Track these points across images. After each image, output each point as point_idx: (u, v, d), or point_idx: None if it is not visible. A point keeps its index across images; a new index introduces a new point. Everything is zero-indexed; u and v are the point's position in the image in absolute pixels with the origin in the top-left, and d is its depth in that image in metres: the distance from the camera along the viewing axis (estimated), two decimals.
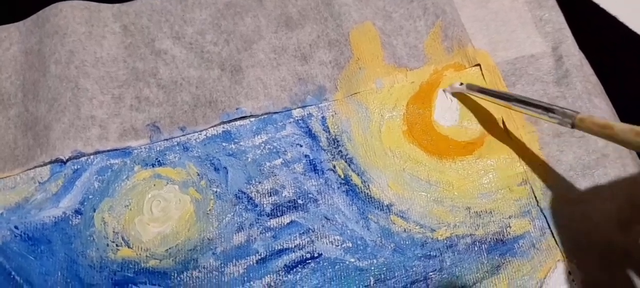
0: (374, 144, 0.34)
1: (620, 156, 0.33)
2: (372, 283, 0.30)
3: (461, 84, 0.35)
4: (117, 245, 0.30)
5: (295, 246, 0.31)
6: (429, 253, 0.31)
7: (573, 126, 0.27)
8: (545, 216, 0.32)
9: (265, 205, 0.32)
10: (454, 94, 0.36)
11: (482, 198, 0.33)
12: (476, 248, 0.31)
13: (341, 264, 0.31)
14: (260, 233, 0.31)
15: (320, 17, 0.37)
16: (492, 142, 0.34)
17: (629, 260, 0.31)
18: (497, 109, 0.35)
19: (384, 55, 0.37)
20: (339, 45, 0.36)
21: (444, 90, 0.36)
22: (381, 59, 0.36)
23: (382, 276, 0.30)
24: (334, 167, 0.33)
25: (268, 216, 0.32)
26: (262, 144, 0.33)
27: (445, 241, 0.31)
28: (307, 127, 0.34)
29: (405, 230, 0.32)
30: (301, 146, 0.33)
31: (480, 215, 0.32)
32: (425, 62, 0.37)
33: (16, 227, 0.30)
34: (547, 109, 0.29)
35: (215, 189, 0.32)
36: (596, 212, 0.32)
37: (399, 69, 0.36)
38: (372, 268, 0.31)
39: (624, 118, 0.36)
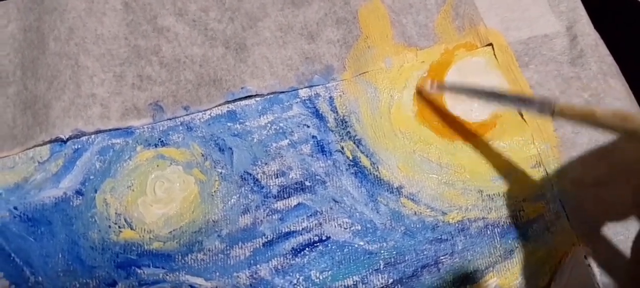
0: (383, 124, 0.33)
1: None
2: (381, 267, 0.29)
3: (432, 86, 0.33)
4: (119, 226, 0.29)
5: (302, 229, 0.30)
6: (440, 237, 0.30)
7: (553, 115, 0.25)
8: (559, 199, 0.31)
9: (271, 187, 0.31)
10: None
11: (494, 181, 0.32)
12: (489, 232, 0.30)
13: (350, 247, 0.30)
14: (267, 215, 0.30)
15: None
16: (505, 123, 0.33)
17: None
18: (510, 89, 0.34)
19: (393, 34, 0.35)
20: (347, 24, 0.35)
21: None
22: (390, 38, 0.35)
23: (392, 260, 0.30)
24: (342, 148, 0.32)
25: (274, 198, 0.31)
26: (268, 124, 0.32)
27: (456, 224, 0.31)
28: (314, 107, 0.33)
29: (415, 213, 0.31)
30: (308, 127, 0.32)
31: (492, 198, 0.31)
32: (435, 41, 0.36)
33: (15, 208, 0.29)
34: (524, 100, 0.27)
35: (220, 170, 0.31)
36: (612, 195, 0.31)
37: (409, 48, 0.35)
38: (382, 251, 0.30)
39: (637, 99, 0.35)
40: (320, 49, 0.35)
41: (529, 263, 0.30)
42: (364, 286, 0.29)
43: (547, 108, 0.25)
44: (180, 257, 0.29)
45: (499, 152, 0.33)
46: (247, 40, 0.34)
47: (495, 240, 0.30)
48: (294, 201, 0.31)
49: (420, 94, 0.34)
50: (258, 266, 0.29)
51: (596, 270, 0.29)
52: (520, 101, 0.28)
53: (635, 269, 0.29)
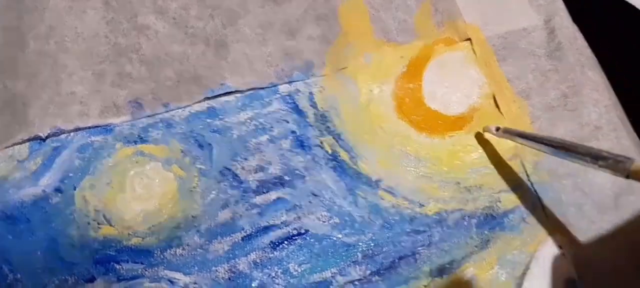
0: (362, 119, 0.33)
1: (614, 129, 0.33)
2: (360, 258, 0.30)
3: (497, 129, 0.31)
4: (98, 223, 0.29)
5: (281, 223, 0.30)
6: (417, 229, 0.31)
7: (628, 176, 0.23)
8: (536, 190, 0.32)
9: (250, 182, 0.31)
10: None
11: (472, 173, 0.32)
12: (465, 223, 0.31)
13: (328, 240, 0.30)
14: (246, 210, 0.30)
15: None
16: (482, 116, 0.34)
17: (620, 234, 0.30)
18: (488, 83, 0.34)
19: (373, 29, 0.36)
20: (327, 20, 0.36)
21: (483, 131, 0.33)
22: (370, 34, 0.36)
23: (370, 251, 0.30)
24: (322, 143, 0.32)
25: (254, 193, 0.31)
26: (248, 120, 0.33)
27: (434, 216, 0.31)
28: (294, 103, 0.33)
29: (393, 206, 0.31)
30: (288, 122, 0.33)
31: (469, 190, 0.32)
32: (415, 36, 0.36)
33: None
34: (596, 157, 0.24)
35: (199, 166, 0.31)
36: (588, 186, 0.32)
37: (388, 43, 0.36)
38: (360, 243, 0.30)
39: (618, 91, 0.35)
40: (301, 45, 0.35)
41: (505, 253, 0.30)
42: (341, 278, 0.29)
43: (621, 168, 0.23)
44: (159, 252, 0.29)
45: (476, 145, 0.33)
46: (227, 38, 0.35)
47: (472, 231, 0.31)
48: (273, 195, 0.31)
49: (482, 135, 0.33)
50: (237, 260, 0.29)
51: (571, 259, 0.30)
52: (592, 157, 0.25)
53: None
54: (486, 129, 0.32)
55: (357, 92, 0.34)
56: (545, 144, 0.28)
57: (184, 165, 0.31)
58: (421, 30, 0.36)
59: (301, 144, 0.32)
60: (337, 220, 0.30)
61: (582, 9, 0.38)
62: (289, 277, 0.29)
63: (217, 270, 0.29)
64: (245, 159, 0.32)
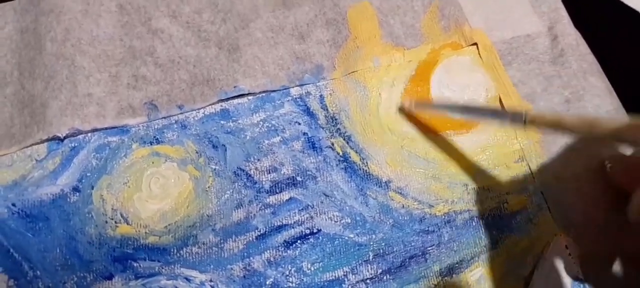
0: (372, 121, 0.34)
1: None
2: (371, 258, 0.30)
3: (410, 103, 0.34)
4: (116, 222, 0.30)
5: (294, 222, 0.31)
6: (427, 229, 0.31)
7: (525, 124, 0.26)
8: (541, 192, 0.32)
9: (264, 182, 0.32)
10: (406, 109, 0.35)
11: (479, 175, 0.33)
12: (474, 224, 0.32)
13: (340, 240, 0.31)
14: (260, 209, 0.31)
15: None
16: None
17: (624, 234, 0.31)
18: (494, 87, 0.35)
19: (381, 34, 0.37)
20: (336, 24, 0.36)
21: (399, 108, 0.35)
22: (378, 38, 0.36)
23: (381, 251, 0.31)
24: (332, 144, 0.33)
25: (267, 193, 0.32)
26: (261, 122, 0.33)
27: (443, 216, 0.32)
28: (305, 105, 0.34)
29: (403, 206, 0.32)
30: (299, 124, 0.33)
31: (477, 192, 0.32)
32: (422, 41, 0.37)
33: (14, 205, 0.30)
34: (497, 113, 0.28)
35: (214, 166, 0.32)
36: (591, 189, 0.32)
37: (397, 47, 0.36)
38: (371, 243, 0.31)
39: (621, 95, 0.36)
40: (311, 49, 0.36)
41: (513, 253, 0.31)
42: (353, 276, 0.30)
43: (518, 118, 0.26)
44: (175, 251, 0.30)
45: (483, 147, 0.34)
46: (240, 41, 0.35)
47: (480, 232, 0.31)
48: (286, 196, 0.32)
49: (402, 111, 0.35)
50: (251, 258, 0.30)
51: (577, 259, 0.30)
52: (494, 114, 0.28)
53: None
54: (401, 106, 0.34)
55: (367, 94, 0.35)
56: (454, 110, 0.31)
57: (199, 166, 0.32)
58: (428, 34, 0.37)
59: (312, 146, 0.33)
60: (348, 220, 0.31)
61: (584, 14, 0.39)
62: (302, 276, 0.30)
63: (232, 268, 0.30)
64: (258, 160, 0.32)
